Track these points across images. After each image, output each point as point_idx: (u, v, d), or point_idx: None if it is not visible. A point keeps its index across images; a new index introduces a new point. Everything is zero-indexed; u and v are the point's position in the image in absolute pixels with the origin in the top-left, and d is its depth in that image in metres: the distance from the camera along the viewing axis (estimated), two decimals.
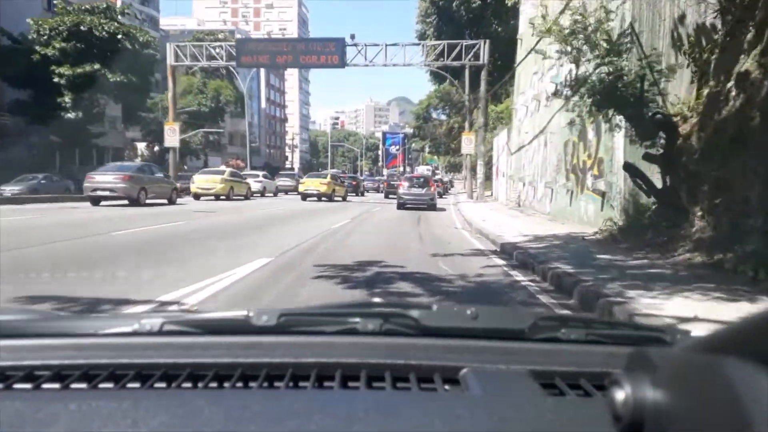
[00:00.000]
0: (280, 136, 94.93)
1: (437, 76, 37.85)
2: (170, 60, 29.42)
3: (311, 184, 26.16)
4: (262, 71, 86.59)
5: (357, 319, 1.01)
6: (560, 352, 0.97)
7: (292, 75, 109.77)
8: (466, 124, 31.22)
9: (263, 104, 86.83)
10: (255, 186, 29.28)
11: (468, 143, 28.90)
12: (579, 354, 0.96)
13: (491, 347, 0.97)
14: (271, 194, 32.42)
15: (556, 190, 14.45)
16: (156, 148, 44.91)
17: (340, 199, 26.87)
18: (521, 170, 19.59)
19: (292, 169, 69.20)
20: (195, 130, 55.43)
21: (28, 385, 0.81)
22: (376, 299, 1.41)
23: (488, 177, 31.41)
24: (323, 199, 25.55)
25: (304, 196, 25.84)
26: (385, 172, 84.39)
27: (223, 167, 32.21)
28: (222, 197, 23.70)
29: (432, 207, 19.88)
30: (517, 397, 0.78)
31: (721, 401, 0.36)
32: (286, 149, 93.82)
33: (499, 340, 1.01)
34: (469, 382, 0.83)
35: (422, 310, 1.06)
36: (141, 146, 50.72)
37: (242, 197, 25.33)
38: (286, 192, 35.52)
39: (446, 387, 0.85)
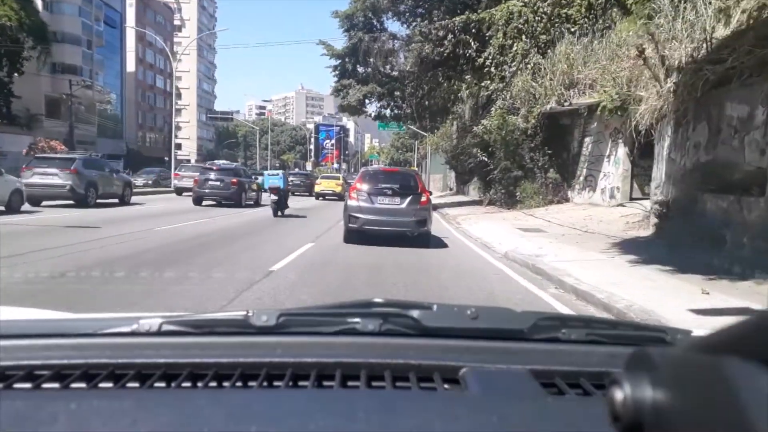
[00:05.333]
0: (165, 116, 68.43)
1: None
2: None
3: (327, 185, 28.70)
4: (131, 17, 59.64)
5: (357, 319, 0.99)
6: (560, 352, 0.96)
7: (187, 37, 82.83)
8: None
9: (131, 66, 60.06)
10: None
11: None
12: (579, 354, 0.96)
13: (491, 347, 0.97)
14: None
15: None
16: None
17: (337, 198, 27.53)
18: None
19: (167, 160, 43.69)
20: None
21: (28, 385, 0.80)
22: (377, 299, 1.19)
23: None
24: (334, 198, 26.67)
25: (318, 196, 28.10)
26: (308, 167, 76.51)
27: None
28: None
29: (423, 238, 9.72)
30: (517, 396, 0.78)
31: (721, 401, 0.36)
32: (182, 134, 68.41)
33: (499, 341, 1.00)
34: (468, 381, 0.82)
35: (422, 310, 1.02)
36: None
37: None
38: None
39: (446, 386, 0.84)
